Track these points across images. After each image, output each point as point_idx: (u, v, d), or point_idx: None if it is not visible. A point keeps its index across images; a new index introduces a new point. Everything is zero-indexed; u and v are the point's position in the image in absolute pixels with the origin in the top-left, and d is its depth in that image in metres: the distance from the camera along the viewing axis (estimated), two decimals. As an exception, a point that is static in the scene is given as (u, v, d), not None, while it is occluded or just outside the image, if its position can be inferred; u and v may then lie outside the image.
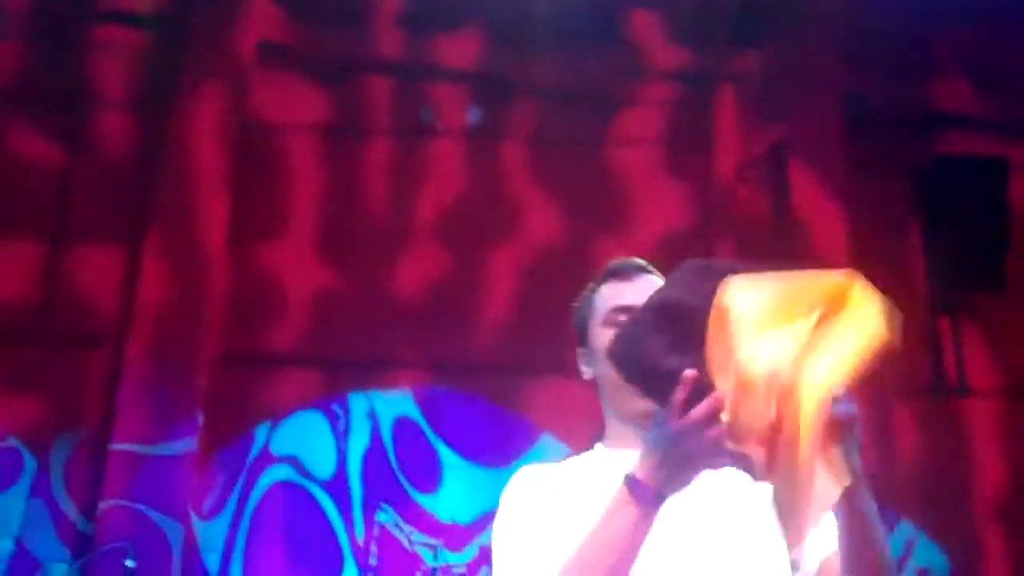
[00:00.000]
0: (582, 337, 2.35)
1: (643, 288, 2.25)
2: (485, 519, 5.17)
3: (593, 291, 2.37)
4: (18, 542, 4.99)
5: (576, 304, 2.37)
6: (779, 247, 5.23)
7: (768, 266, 1.79)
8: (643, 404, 2.04)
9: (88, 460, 5.02)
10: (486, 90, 5.59)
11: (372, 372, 5.27)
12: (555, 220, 5.48)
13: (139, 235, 5.24)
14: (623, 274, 2.35)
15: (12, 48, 5.47)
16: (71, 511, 5.02)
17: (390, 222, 5.46)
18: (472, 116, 5.53)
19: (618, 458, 2.12)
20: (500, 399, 5.29)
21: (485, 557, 5.14)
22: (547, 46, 5.40)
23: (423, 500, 5.15)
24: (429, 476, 5.16)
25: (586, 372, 2.35)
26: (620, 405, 2.23)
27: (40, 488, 5.04)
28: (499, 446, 5.24)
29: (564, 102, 5.57)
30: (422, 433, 5.21)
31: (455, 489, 5.19)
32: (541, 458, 5.07)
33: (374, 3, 5.58)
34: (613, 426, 2.28)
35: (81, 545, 4.89)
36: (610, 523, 1.90)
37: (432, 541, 4.82)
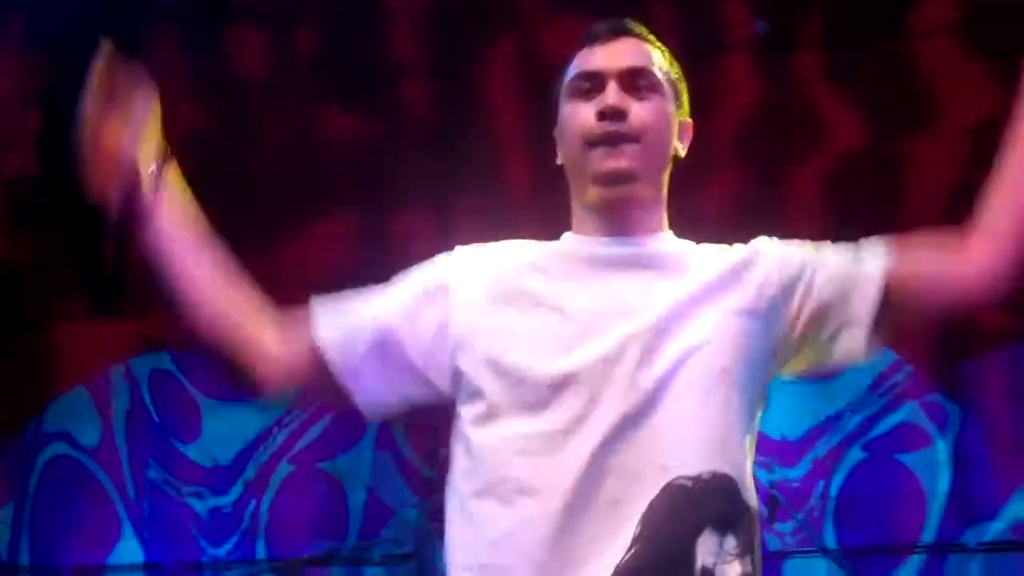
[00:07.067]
0: (555, 116, 2.09)
1: (618, 51, 2.00)
2: (817, 430, 5.06)
3: (568, 62, 2.09)
4: (370, 492, 5.33)
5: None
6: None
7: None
8: (598, 191, 1.96)
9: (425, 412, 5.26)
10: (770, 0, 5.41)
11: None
12: (858, 124, 5.26)
13: (450, 196, 5.41)
14: (597, 37, 2.06)
15: (309, 34, 5.74)
16: (415, 460, 5.30)
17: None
18: (759, 29, 5.37)
19: (582, 243, 2.01)
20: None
21: (819, 470, 5.04)
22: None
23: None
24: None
25: (559, 158, 2.09)
26: (579, 191, 2.04)
27: (384, 442, 5.34)
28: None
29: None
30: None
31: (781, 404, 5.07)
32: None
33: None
34: (577, 213, 2.07)
35: (426, 490, 5.17)
36: None
37: (765, 459, 4.76)
